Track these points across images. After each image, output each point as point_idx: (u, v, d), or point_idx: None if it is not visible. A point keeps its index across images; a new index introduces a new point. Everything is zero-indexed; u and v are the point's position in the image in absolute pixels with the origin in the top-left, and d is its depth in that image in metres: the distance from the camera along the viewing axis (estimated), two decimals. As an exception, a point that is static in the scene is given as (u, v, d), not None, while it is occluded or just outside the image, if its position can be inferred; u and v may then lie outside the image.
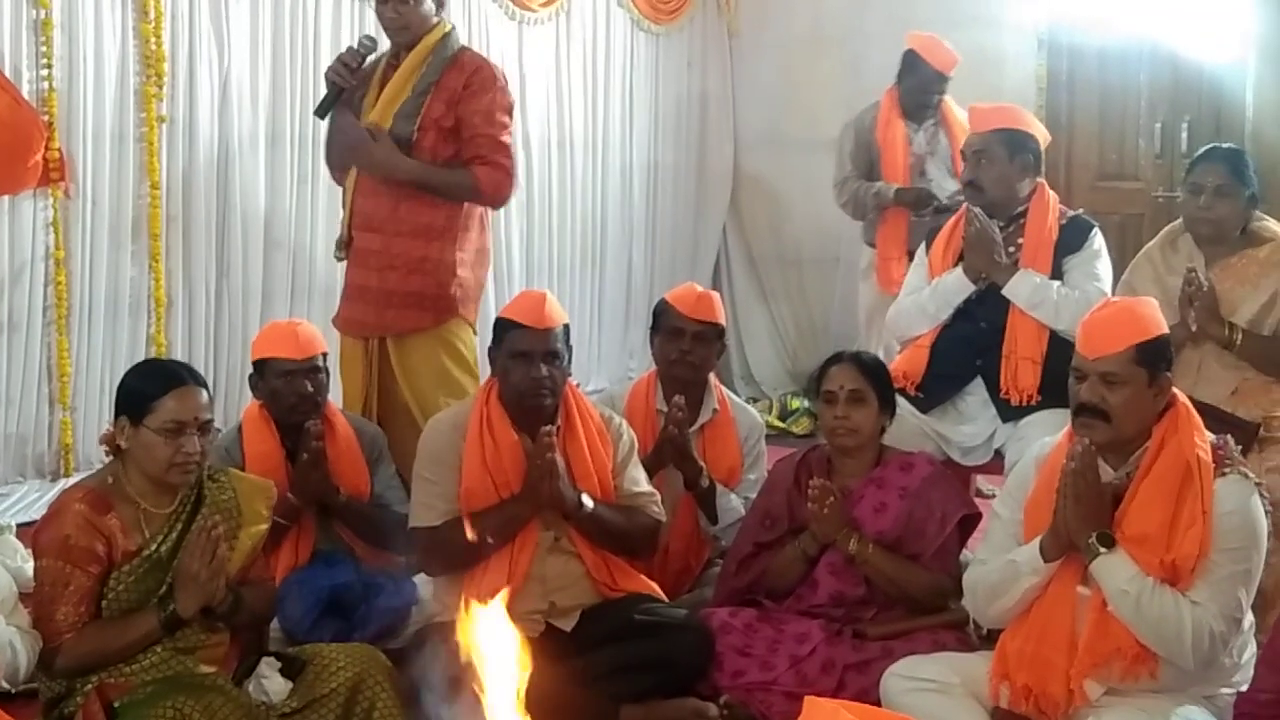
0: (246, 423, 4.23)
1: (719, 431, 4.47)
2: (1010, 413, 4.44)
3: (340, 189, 4.71)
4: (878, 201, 6.13)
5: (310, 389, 4.13)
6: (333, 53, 5.45)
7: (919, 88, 6.09)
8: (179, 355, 5.51)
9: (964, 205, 4.75)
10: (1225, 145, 4.63)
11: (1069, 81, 7.77)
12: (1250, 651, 3.26)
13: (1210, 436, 3.23)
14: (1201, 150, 4.56)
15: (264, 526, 3.44)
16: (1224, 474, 3.15)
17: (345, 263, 4.68)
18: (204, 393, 3.30)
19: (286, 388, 4.13)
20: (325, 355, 4.25)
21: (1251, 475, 3.22)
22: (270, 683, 3.30)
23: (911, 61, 6.18)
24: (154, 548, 3.25)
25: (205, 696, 3.11)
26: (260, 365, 4.20)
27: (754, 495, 4.24)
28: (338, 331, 4.71)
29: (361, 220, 4.58)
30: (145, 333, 5.63)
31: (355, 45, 4.56)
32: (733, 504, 4.33)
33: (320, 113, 4.58)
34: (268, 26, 5.95)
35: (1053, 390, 4.15)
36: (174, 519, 3.29)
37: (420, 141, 4.48)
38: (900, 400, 4.25)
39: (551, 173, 7.55)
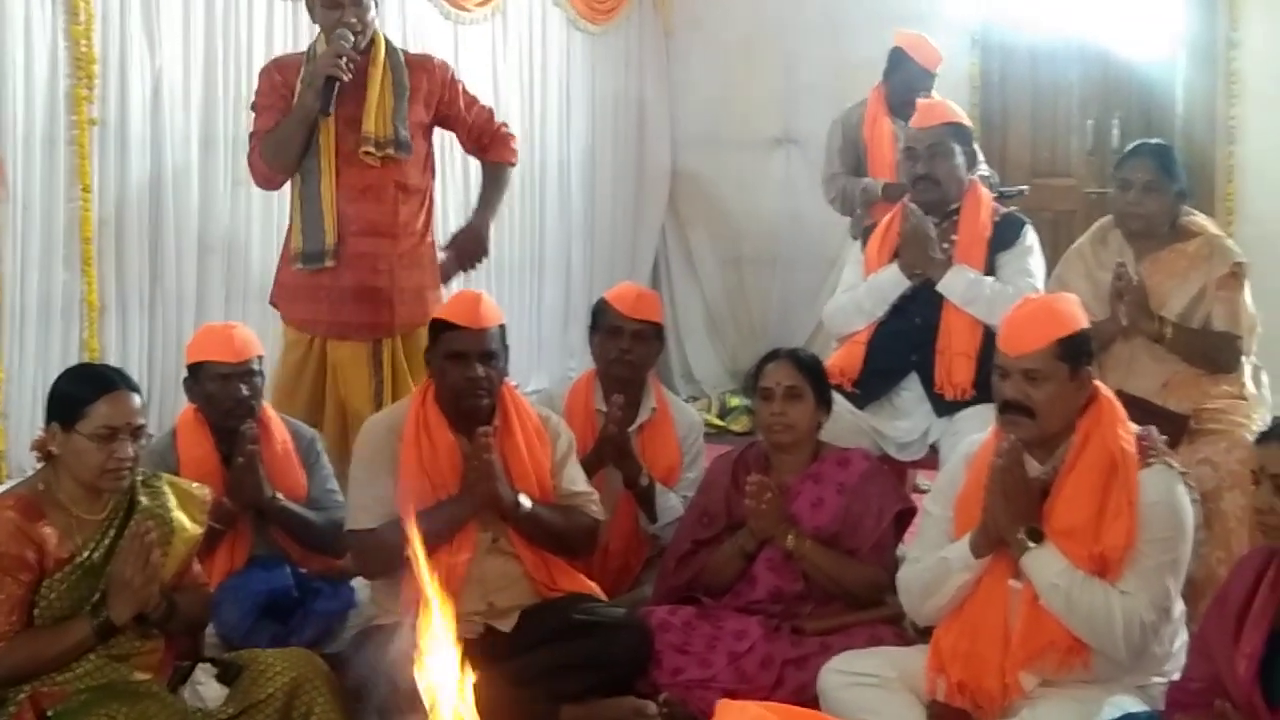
0: (181, 427, 4.18)
1: (658, 430, 4.48)
2: (945, 408, 4.49)
3: (306, 195, 4.57)
4: (865, 197, 6.17)
5: (246, 392, 4.10)
6: (266, 53, 5.41)
7: (905, 85, 6.12)
8: (113, 360, 5.44)
9: (900, 202, 4.79)
10: (1153, 141, 4.68)
11: (1002, 80, 7.86)
12: (1181, 640, 3.31)
13: (1135, 428, 3.28)
14: (1130, 146, 4.61)
15: (198, 532, 3.40)
16: (1149, 465, 3.20)
17: (321, 268, 4.57)
18: (136, 397, 3.27)
19: (222, 391, 4.09)
20: (261, 358, 4.21)
21: (1176, 465, 3.27)
22: (206, 689, 3.28)
23: (898, 59, 6.24)
24: (86, 555, 3.21)
25: (140, 704, 3.09)
26: (195, 369, 4.16)
27: (693, 494, 4.26)
28: (330, 338, 4.63)
29: (358, 225, 4.54)
30: (78, 338, 5.56)
31: (341, 37, 4.43)
32: (672, 503, 4.34)
33: (326, 109, 4.47)
34: (200, 27, 5.90)
35: (987, 385, 4.15)
36: (106, 525, 3.25)
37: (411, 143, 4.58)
38: (837, 397, 4.28)
39: (489, 173, 7.53)
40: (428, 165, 4.74)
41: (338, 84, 4.41)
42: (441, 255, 4.81)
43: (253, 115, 4.67)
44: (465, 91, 4.81)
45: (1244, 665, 2.75)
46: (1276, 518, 2.73)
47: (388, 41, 4.68)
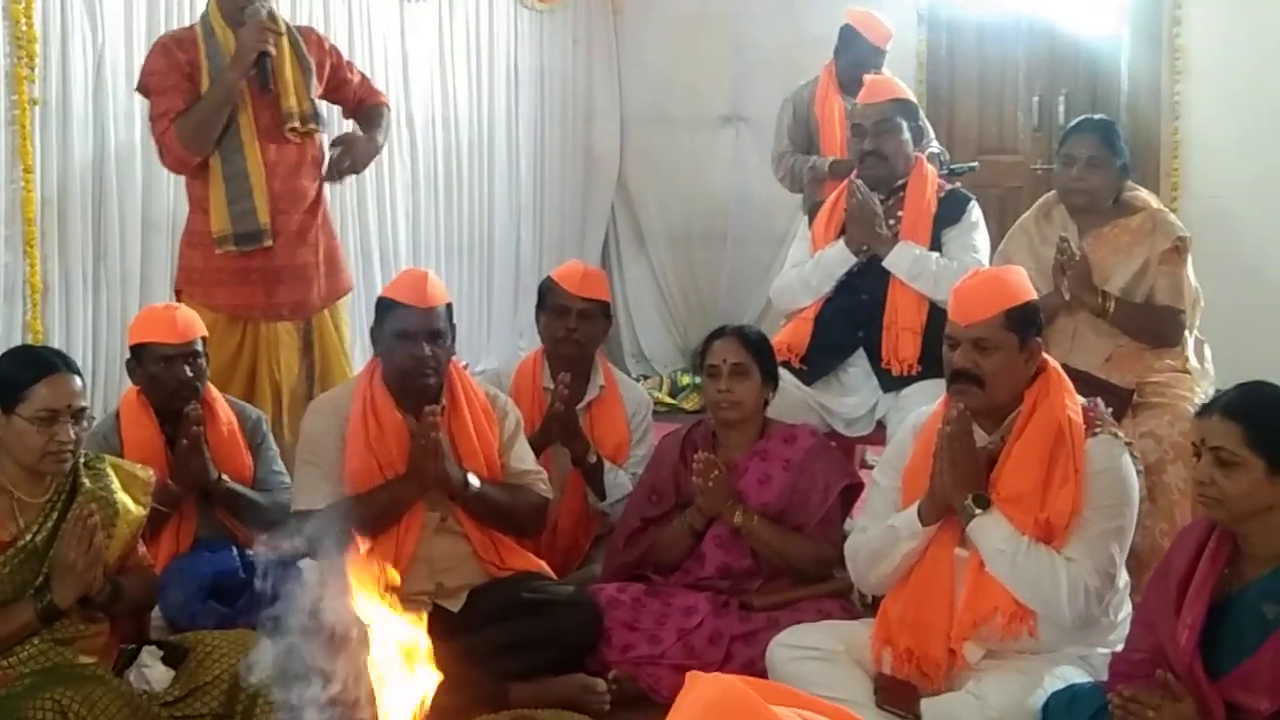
0: (124, 409, 4.15)
1: (606, 408, 4.49)
2: (891, 383, 4.51)
3: (230, 175, 4.50)
4: (813, 175, 6.18)
5: (189, 373, 4.07)
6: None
7: (856, 62, 6.11)
8: (56, 342, 5.38)
9: (847, 179, 4.80)
10: (1097, 117, 4.70)
11: (949, 57, 7.87)
12: (1126, 611, 3.34)
13: (1080, 399, 3.31)
14: (1074, 122, 4.63)
15: (142, 514, 3.38)
16: (1094, 434, 3.24)
17: (256, 249, 4.53)
18: (77, 379, 3.24)
19: (165, 373, 4.06)
20: (204, 339, 4.19)
21: (1121, 435, 3.31)
22: (152, 671, 3.25)
23: (849, 36, 6.23)
24: (29, 538, 3.18)
25: (85, 687, 3.05)
26: (138, 350, 4.13)
27: (642, 471, 4.26)
28: (263, 321, 4.59)
29: (287, 202, 4.52)
30: (21, 320, 5.48)
31: (255, 14, 4.40)
32: (620, 480, 4.35)
33: (267, 86, 4.43)
34: (142, 6, 5.81)
35: (933, 360, 4.19)
36: (49, 508, 3.22)
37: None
38: (784, 373, 4.30)
39: (437, 153, 7.49)
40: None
41: (270, 59, 4.38)
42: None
43: (149, 96, 4.56)
44: (345, 60, 4.86)
45: (1185, 636, 2.78)
46: (1215, 490, 2.76)
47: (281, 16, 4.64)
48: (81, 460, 3.30)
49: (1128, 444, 3.30)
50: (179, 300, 4.56)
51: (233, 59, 4.41)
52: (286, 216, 4.52)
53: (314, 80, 4.57)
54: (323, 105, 4.81)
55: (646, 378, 8.14)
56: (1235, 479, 2.72)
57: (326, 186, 4.76)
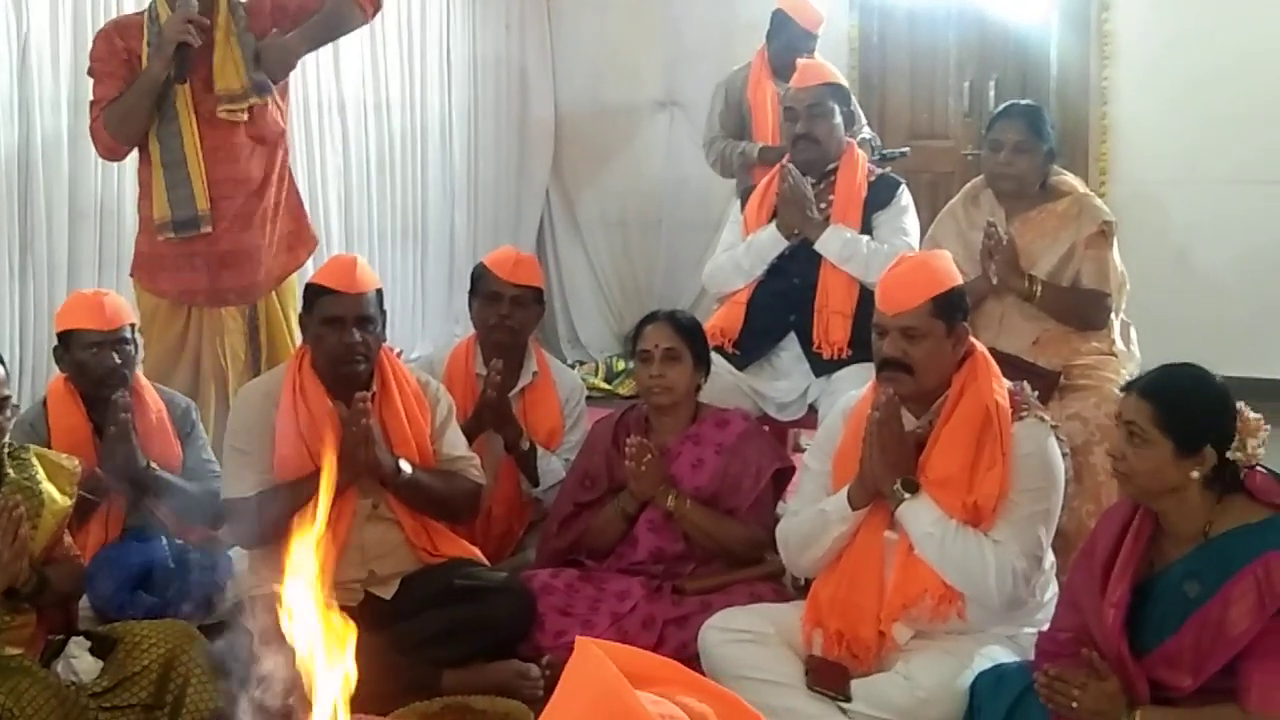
0: (52, 397, 4.10)
1: (539, 394, 4.48)
2: (823, 367, 4.54)
3: (169, 162, 4.43)
4: (743, 161, 6.19)
5: (118, 361, 4.03)
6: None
7: (787, 47, 6.12)
8: (-17, 330, 5.33)
9: (777, 165, 4.81)
10: (1024, 102, 4.74)
11: (880, 42, 7.91)
12: (1052, 591, 3.38)
13: (1007, 383, 3.34)
14: (1001, 107, 4.67)
15: (67, 504, 3.35)
16: (1021, 418, 3.27)
17: (196, 235, 4.46)
18: (0, 369, 3.20)
19: (93, 360, 4.02)
20: (133, 326, 4.15)
21: (1048, 418, 3.34)
22: (80, 662, 3.23)
23: (780, 21, 6.24)
24: (-46, 529, 3.15)
25: (11, 679, 3.03)
26: (65, 337, 4.08)
27: (575, 457, 4.26)
28: (207, 307, 4.53)
29: (228, 186, 4.45)
30: (-54, 309, 5.43)
31: (186, 5, 4.31)
32: (554, 466, 4.35)
33: (181, 77, 4.36)
34: (68, -10, 5.75)
35: (864, 344, 4.22)
36: (-27, 500, 3.19)
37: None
38: (717, 358, 4.31)
39: (369, 137, 7.44)
40: (284, 112, 4.64)
41: (191, 49, 4.31)
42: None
43: (91, 81, 4.50)
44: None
45: (1111, 615, 2.81)
46: (1125, 465, 2.80)
47: None
48: (6, 450, 3.26)
49: (1054, 427, 3.34)
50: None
51: (155, 49, 4.35)
52: (229, 201, 4.46)
53: (251, 56, 4.44)
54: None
55: (582, 363, 8.14)
56: (1143, 456, 2.76)
57: (291, 167, 4.69)
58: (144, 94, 4.35)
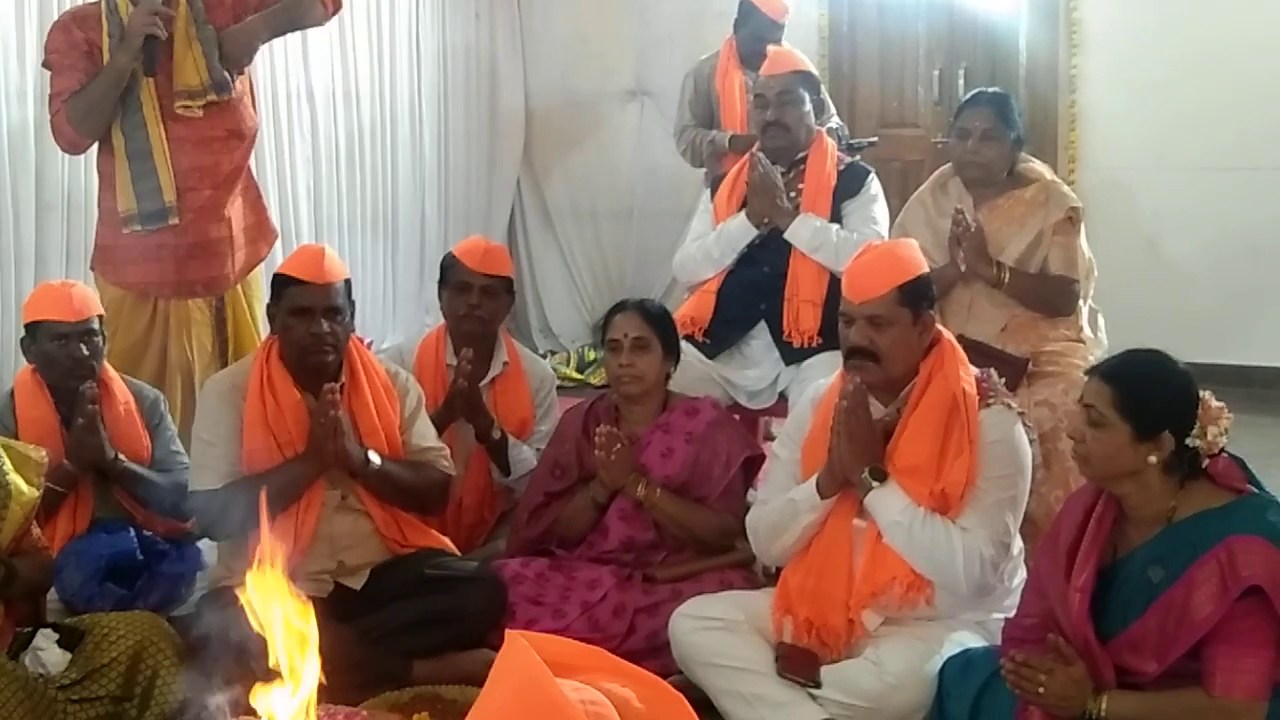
0: (19, 388, 4.09)
1: (510, 384, 4.48)
2: (793, 355, 4.55)
3: (134, 154, 4.39)
4: (713, 149, 6.20)
5: (85, 352, 4.02)
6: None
7: (754, 35, 6.13)
8: (-52, 323, 5.29)
9: (748, 153, 4.82)
10: (991, 90, 4.75)
11: (850, 31, 7.92)
12: (1020, 577, 3.39)
13: (974, 371, 3.36)
14: (968, 95, 4.69)
15: (35, 496, 3.32)
16: (988, 405, 3.28)
17: (162, 227, 4.42)
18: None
19: (60, 351, 4.01)
20: (100, 317, 4.13)
21: (1015, 406, 3.36)
22: (47, 654, 3.21)
23: (747, 10, 6.25)
24: (-81, 522, 3.14)
25: (-22, 672, 3.02)
26: (32, 328, 4.07)
27: (546, 446, 4.26)
28: (173, 299, 4.49)
29: (195, 178, 4.41)
30: (-89, 301, 5.39)
31: None
32: (525, 455, 4.35)
33: (151, 70, 4.31)
34: (33, -19, 5.71)
35: (833, 332, 4.22)
36: (-61, 492, 3.17)
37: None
38: (687, 346, 4.32)
39: (338, 127, 7.40)
40: (254, 105, 4.64)
41: (158, 42, 4.28)
42: None
43: (49, 74, 4.43)
44: None
45: (1076, 599, 2.82)
46: (1084, 447, 2.82)
47: None
48: (-28, 443, 3.25)
49: (1021, 414, 3.36)
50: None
51: (121, 41, 4.30)
52: (195, 192, 4.43)
53: (214, 51, 4.39)
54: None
55: (554, 353, 8.14)
56: (1101, 440, 2.77)
57: (252, 158, 4.66)
58: (110, 86, 4.30)
